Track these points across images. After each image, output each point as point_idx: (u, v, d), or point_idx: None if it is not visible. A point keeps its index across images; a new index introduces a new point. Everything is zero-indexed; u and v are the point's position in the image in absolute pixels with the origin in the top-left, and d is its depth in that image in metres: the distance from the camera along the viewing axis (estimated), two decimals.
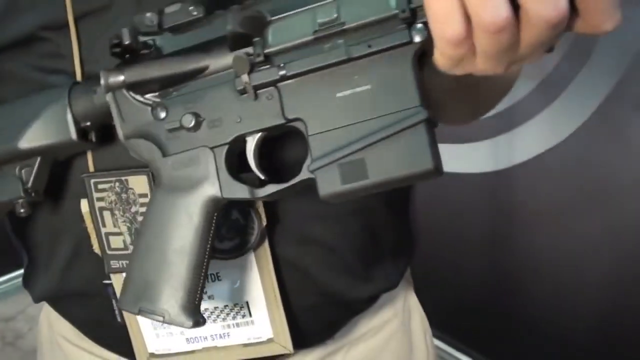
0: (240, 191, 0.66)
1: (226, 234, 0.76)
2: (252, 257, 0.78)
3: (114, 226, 0.78)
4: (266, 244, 0.78)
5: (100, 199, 0.77)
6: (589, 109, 1.93)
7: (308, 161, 0.62)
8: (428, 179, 0.59)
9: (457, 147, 2.19)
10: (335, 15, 0.59)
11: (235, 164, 0.67)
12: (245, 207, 0.75)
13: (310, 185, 0.62)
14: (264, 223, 0.76)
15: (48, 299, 0.95)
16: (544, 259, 2.14)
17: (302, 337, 0.84)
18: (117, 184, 0.76)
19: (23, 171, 0.74)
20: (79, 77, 0.74)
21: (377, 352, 0.99)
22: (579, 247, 2.04)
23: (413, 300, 1.07)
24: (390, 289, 0.95)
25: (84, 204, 0.78)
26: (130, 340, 0.86)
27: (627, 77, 1.83)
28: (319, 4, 0.60)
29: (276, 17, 0.62)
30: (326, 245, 0.83)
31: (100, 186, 0.76)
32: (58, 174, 0.80)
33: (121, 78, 0.67)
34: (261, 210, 0.76)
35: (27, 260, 0.95)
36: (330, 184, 0.61)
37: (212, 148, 0.66)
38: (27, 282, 0.95)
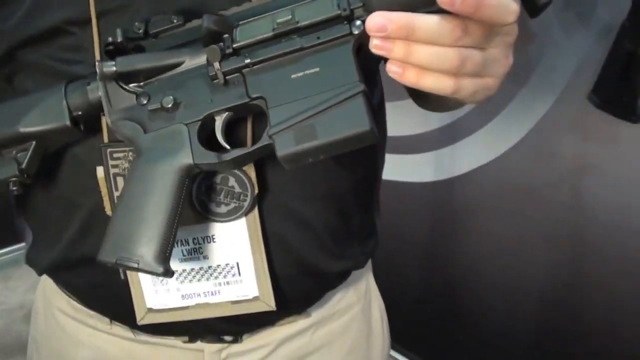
0: (209, 157, 0.77)
1: (223, 200, 0.86)
2: (243, 222, 0.88)
3: None
4: (256, 212, 0.88)
5: (114, 166, 0.86)
6: (527, 126, 2.06)
7: (268, 130, 0.73)
8: (366, 141, 0.70)
9: (402, 157, 2.28)
10: (290, 17, 0.73)
11: (205, 137, 0.78)
12: (241, 177, 0.86)
13: (273, 155, 0.73)
14: (256, 191, 0.86)
15: (52, 271, 1.03)
16: (482, 264, 2.25)
17: (284, 300, 0.94)
18: (130, 153, 0.85)
19: (19, 155, 0.82)
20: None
21: (340, 334, 1.10)
22: (514, 251, 2.17)
23: (373, 286, 1.19)
24: (358, 268, 1.07)
25: (100, 171, 0.86)
26: (126, 301, 0.94)
27: (562, 98, 1.97)
28: (278, 10, 0.74)
29: (243, 21, 0.75)
30: (305, 222, 0.94)
31: (115, 155, 0.85)
32: (66, 158, 0.90)
33: (113, 68, 0.78)
34: (254, 180, 0.86)
35: (31, 237, 1.03)
36: (285, 146, 0.71)
37: (187, 124, 0.78)
38: (32, 257, 1.04)
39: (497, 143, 2.15)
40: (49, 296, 1.11)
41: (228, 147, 0.78)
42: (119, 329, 1.04)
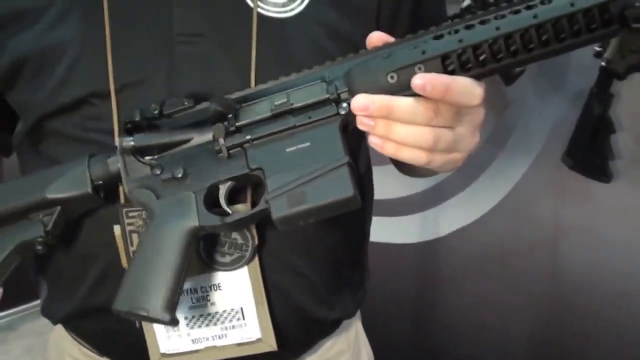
0: (213, 220, 0.88)
1: (227, 250, 0.96)
2: (246, 270, 0.97)
3: None
4: (256, 261, 0.97)
5: (130, 224, 0.95)
6: (506, 188, 2.16)
7: (265, 196, 0.85)
8: (350, 205, 0.82)
9: (389, 220, 2.36)
10: (285, 100, 0.85)
11: (210, 203, 0.89)
12: (242, 230, 0.95)
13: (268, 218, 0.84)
14: (256, 242, 0.96)
15: (67, 320, 1.11)
16: (466, 321, 2.31)
17: (283, 342, 1.02)
18: (144, 212, 0.94)
19: (45, 218, 0.92)
20: (116, 135, 0.94)
21: None
22: (496, 310, 2.23)
23: (362, 334, 1.27)
24: (349, 317, 1.16)
25: (117, 229, 0.95)
26: (140, 347, 1.02)
27: (538, 160, 2.08)
28: (275, 94, 0.86)
29: (245, 103, 0.88)
30: (300, 272, 1.03)
31: (130, 214, 0.95)
32: (86, 218, 0.99)
33: (131, 143, 0.90)
34: (254, 233, 0.96)
35: (46, 290, 1.11)
36: (279, 210, 0.83)
37: (194, 192, 0.89)
38: (47, 309, 1.12)
39: (478, 205, 2.24)
40: (61, 344, 1.18)
41: (230, 211, 0.89)
42: None
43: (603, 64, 1.63)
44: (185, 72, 0.94)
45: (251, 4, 0.95)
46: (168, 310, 0.86)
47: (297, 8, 0.96)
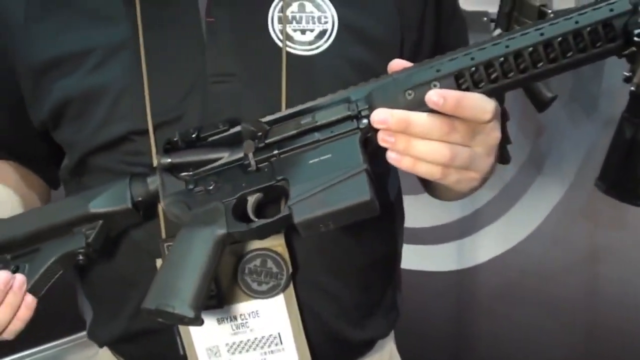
0: (240, 226, 0.92)
1: (263, 279, 0.99)
2: (282, 297, 1.01)
3: None
4: (291, 288, 1.01)
5: None
6: (542, 214, 2.18)
7: (288, 202, 0.88)
8: (368, 210, 0.86)
9: (426, 248, 2.36)
10: (310, 119, 0.90)
11: (239, 214, 0.93)
12: (277, 259, 0.99)
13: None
14: (290, 270, 0.99)
15: (112, 344, 1.15)
16: (502, 348, 2.31)
17: None
18: None
19: (87, 232, 0.98)
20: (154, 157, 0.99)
21: None
22: (533, 335, 2.24)
23: (395, 355, 1.29)
24: (382, 337, 1.18)
25: (159, 262, 1.00)
26: None
27: (573, 185, 2.10)
28: (303, 116, 0.91)
29: (274, 125, 0.92)
30: (332, 294, 1.07)
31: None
32: (128, 246, 1.04)
33: (169, 160, 0.95)
34: (288, 262, 0.99)
35: (92, 314, 1.15)
36: (301, 213, 0.87)
37: (224, 202, 0.93)
38: (93, 332, 1.16)
39: (515, 232, 2.25)
40: None
41: (256, 220, 0.93)
42: None
43: (632, 88, 1.64)
44: (218, 110, 0.99)
45: (280, 44, 1.00)
46: (194, 308, 0.89)
47: (323, 45, 1.01)
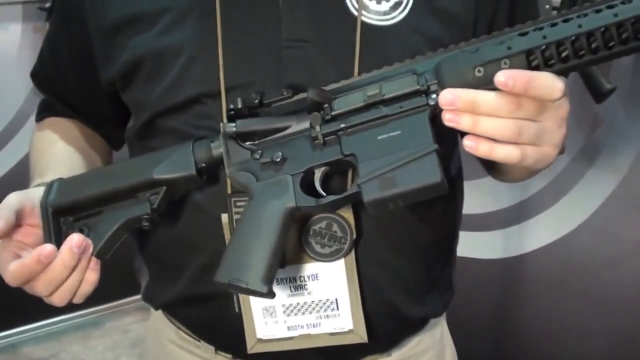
0: (309, 201, 0.93)
1: (327, 242, 1.00)
2: (342, 263, 1.01)
3: None
4: (353, 254, 1.01)
5: (237, 213, 1.00)
6: (592, 206, 2.17)
7: (357, 180, 0.89)
8: (437, 191, 0.86)
9: (473, 235, 2.38)
10: (378, 91, 0.89)
11: (306, 187, 0.94)
12: (343, 224, 1.00)
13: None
14: (354, 236, 1.00)
15: (168, 307, 1.17)
16: (546, 337, 2.31)
17: (373, 336, 1.05)
18: None
19: (151, 197, 0.98)
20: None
21: None
22: (577, 327, 2.23)
23: (447, 334, 1.29)
24: (437, 316, 1.19)
25: (224, 217, 1.01)
26: (236, 333, 1.06)
27: (626, 180, 2.09)
28: (369, 86, 0.91)
29: (340, 94, 0.92)
30: (393, 268, 1.07)
31: (238, 203, 1.00)
32: (193, 207, 1.05)
33: (234, 129, 0.95)
34: (353, 227, 1.00)
35: (148, 276, 1.17)
36: (371, 193, 0.87)
37: (291, 175, 0.94)
38: (149, 294, 1.18)
39: (563, 223, 2.25)
40: (159, 328, 1.24)
41: (324, 194, 0.93)
42: (222, 358, 1.16)
43: None
44: (291, 76, 0.99)
45: (355, 12, 1.00)
46: (266, 283, 0.90)
47: (398, 16, 1.01)
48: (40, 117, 1.26)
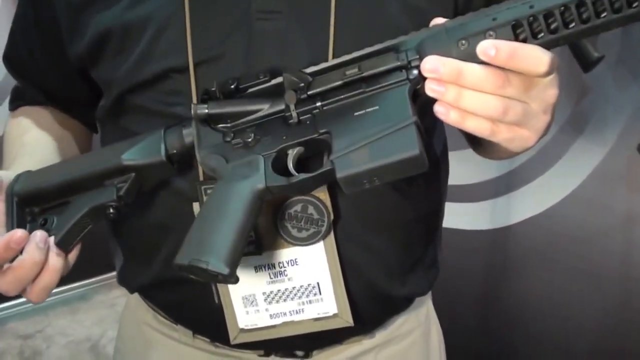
0: (279, 180, 0.89)
1: (303, 226, 0.98)
2: (322, 245, 0.99)
3: None
4: (332, 236, 0.99)
5: None
6: (581, 177, 2.15)
7: (330, 157, 0.85)
8: (416, 165, 0.81)
9: (459, 206, 2.36)
10: (357, 70, 0.86)
11: (279, 169, 0.90)
12: (319, 205, 0.97)
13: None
14: (332, 217, 0.97)
15: (144, 289, 1.15)
16: (534, 308, 2.31)
17: (357, 318, 1.04)
18: None
19: (119, 184, 0.95)
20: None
21: (401, 356, 1.20)
22: (564, 298, 2.22)
23: (432, 313, 1.29)
24: (422, 294, 1.17)
25: (196, 206, 0.99)
26: (217, 322, 1.05)
27: (614, 150, 2.06)
28: (348, 66, 0.87)
29: (318, 76, 0.89)
30: (374, 248, 1.05)
31: (209, 191, 0.97)
32: (164, 191, 1.02)
33: (205, 111, 0.92)
34: (330, 208, 0.97)
35: (122, 259, 1.15)
36: (344, 169, 0.83)
37: (263, 155, 0.90)
38: (124, 277, 1.16)
39: (551, 194, 2.22)
40: (136, 311, 1.23)
41: (297, 174, 0.90)
42: (201, 342, 1.15)
43: None
44: (263, 49, 0.96)
45: None
46: (228, 264, 0.86)
47: None
48: (13, 106, 1.23)
